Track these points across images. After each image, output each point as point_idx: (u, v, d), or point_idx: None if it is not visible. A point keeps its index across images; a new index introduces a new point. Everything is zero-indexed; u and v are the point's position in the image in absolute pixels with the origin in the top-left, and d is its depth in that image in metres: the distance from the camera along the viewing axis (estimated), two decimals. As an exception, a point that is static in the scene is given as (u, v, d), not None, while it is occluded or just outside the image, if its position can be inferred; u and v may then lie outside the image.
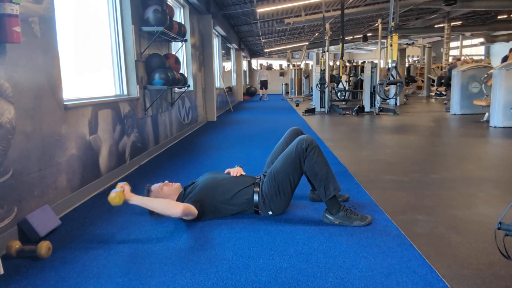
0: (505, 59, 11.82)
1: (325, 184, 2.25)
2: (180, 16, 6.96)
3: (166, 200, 2.24)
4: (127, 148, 3.86)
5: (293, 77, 16.16)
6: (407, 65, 17.82)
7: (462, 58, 16.48)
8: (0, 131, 2.05)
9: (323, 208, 2.59)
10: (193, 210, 2.25)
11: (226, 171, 2.61)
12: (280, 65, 28.21)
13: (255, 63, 27.79)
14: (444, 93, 11.12)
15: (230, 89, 13.34)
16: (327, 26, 10.00)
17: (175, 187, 2.52)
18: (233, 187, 2.42)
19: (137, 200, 2.17)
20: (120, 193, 2.09)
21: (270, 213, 2.39)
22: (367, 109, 9.21)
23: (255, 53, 24.04)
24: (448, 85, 10.91)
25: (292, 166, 2.29)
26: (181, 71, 5.48)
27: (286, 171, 2.31)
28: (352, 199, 2.75)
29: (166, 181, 2.56)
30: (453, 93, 8.48)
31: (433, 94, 13.81)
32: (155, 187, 2.50)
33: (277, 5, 10.01)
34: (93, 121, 3.16)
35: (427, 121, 7.51)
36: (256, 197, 2.38)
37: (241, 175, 2.56)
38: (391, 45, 5.17)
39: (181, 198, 2.45)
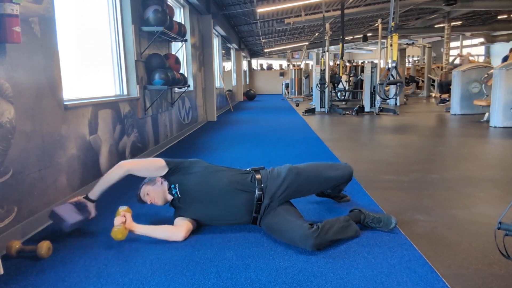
0: (505, 59, 11.76)
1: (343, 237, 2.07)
2: (180, 16, 6.95)
3: (167, 229, 2.16)
4: (127, 148, 3.86)
5: (293, 77, 16.15)
6: (409, 65, 17.76)
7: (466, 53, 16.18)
8: (0, 131, 2.05)
9: (323, 208, 2.60)
10: (190, 226, 2.19)
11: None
12: (280, 65, 28.21)
13: (255, 63, 27.80)
14: (448, 99, 10.63)
15: (230, 91, 13.40)
16: (327, 26, 10.00)
17: (158, 200, 2.28)
18: (229, 219, 2.24)
19: (140, 230, 2.13)
20: (122, 228, 2.06)
21: None
22: (367, 109, 9.20)
23: (255, 53, 24.03)
24: (449, 90, 10.47)
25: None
26: (181, 71, 5.47)
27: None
28: (352, 199, 2.74)
29: (148, 200, 2.29)
30: (453, 93, 8.48)
31: (435, 100, 12.73)
32: (144, 199, 2.34)
33: (277, 5, 10.00)
34: (93, 121, 3.16)
35: (427, 121, 7.51)
36: (255, 213, 2.17)
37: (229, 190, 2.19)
38: (391, 45, 5.17)
39: (174, 205, 2.33)
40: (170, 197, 2.30)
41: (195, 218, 2.25)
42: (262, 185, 2.16)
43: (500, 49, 18.52)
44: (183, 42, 5.72)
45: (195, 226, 2.25)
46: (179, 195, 2.23)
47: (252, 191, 2.15)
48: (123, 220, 2.11)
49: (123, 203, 2.34)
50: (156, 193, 2.27)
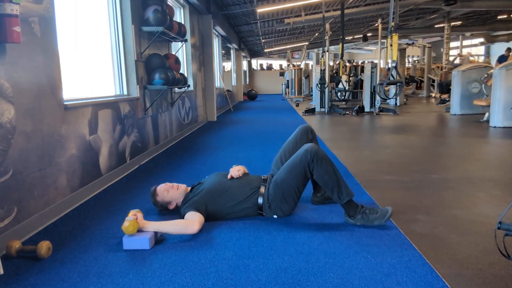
0: (500, 58, 11.79)
1: (338, 191, 2.24)
2: (180, 16, 6.96)
3: (180, 222, 2.21)
4: (127, 148, 3.86)
5: (293, 77, 16.16)
6: (409, 65, 17.80)
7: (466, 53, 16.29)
8: (0, 131, 2.05)
9: (323, 208, 2.60)
10: (202, 219, 2.25)
11: (229, 176, 2.50)
12: (280, 65, 28.21)
13: (255, 63, 27.80)
14: (447, 99, 10.65)
15: (229, 91, 13.42)
16: (327, 26, 10.00)
17: (181, 190, 2.48)
18: (238, 194, 2.39)
19: (151, 226, 2.12)
20: (134, 221, 2.06)
21: (275, 216, 2.39)
22: (367, 109, 9.21)
23: (255, 53, 24.03)
24: (449, 90, 10.62)
25: (298, 177, 2.27)
26: (181, 71, 5.48)
27: (292, 181, 2.29)
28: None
29: (173, 184, 2.51)
30: (453, 93, 8.49)
31: (435, 100, 12.80)
32: (160, 190, 2.48)
33: (277, 5, 10.01)
34: (93, 121, 3.16)
35: (427, 121, 7.51)
36: (260, 200, 2.38)
37: (245, 173, 2.55)
38: (391, 45, 5.17)
39: (186, 199, 2.43)
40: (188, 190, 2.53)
41: (210, 189, 2.39)
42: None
43: (500, 49, 18.53)
44: (183, 42, 5.72)
45: (203, 220, 2.27)
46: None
47: (260, 177, 2.55)
48: (135, 217, 2.11)
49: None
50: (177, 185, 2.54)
